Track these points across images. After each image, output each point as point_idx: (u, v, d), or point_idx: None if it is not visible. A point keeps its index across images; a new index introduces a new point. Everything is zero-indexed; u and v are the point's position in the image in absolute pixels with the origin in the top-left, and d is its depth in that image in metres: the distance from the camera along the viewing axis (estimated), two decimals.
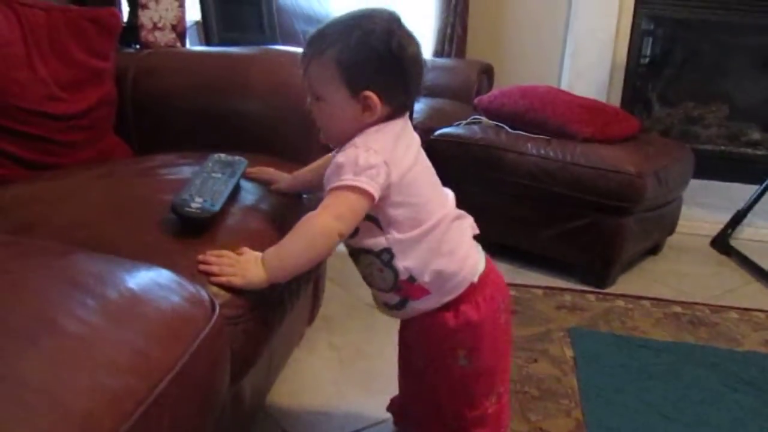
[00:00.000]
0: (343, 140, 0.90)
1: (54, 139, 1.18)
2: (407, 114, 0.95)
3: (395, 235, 0.89)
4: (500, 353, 0.98)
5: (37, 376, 0.51)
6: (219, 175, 0.99)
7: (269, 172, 1.13)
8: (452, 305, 0.92)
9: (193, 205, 0.87)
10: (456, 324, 0.92)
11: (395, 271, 0.90)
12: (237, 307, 0.81)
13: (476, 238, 0.99)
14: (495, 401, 0.98)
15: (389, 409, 1.14)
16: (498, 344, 0.96)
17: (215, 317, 0.70)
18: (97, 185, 1.05)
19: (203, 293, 0.73)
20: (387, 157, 0.85)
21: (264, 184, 1.11)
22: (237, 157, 1.10)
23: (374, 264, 0.92)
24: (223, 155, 1.09)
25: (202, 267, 0.82)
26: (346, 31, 0.87)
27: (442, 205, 0.93)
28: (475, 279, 0.92)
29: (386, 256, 0.90)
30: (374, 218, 0.88)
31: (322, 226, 0.84)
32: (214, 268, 0.82)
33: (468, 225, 0.97)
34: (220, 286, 0.80)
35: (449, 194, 0.98)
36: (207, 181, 0.96)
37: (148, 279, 0.69)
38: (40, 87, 1.17)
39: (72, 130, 1.22)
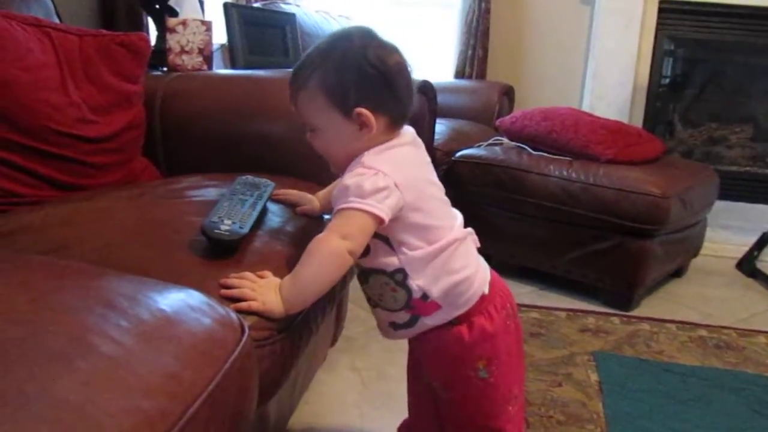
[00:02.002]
0: (349, 164, 0.89)
1: (85, 161, 1.20)
2: (413, 130, 0.95)
3: (407, 253, 0.88)
4: (515, 358, 0.97)
5: (73, 397, 0.51)
6: (247, 198, 1.00)
7: (295, 194, 1.14)
8: (464, 318, 0.92)
9: (223, 227, 0.88)
10: (471, 337, 0.92)
11: (409, 291, 0.90)
12: (264, 329, 0.81)
13: (481, 252, 0.99)
14: (514, 403, 0.98)
15: (400, 430, 1.14)
16: (512, 350, 0.96)
17: (245, 339, 0.70)
18: (127, 207, 1.06)
19: (232, 315, 0.73)
20: (398, 179, 0.85)
21: (290, 206, 1.12)
22: (264, 180, 1.11)
23: (387, 284, 0.91)
24: (250, 177, 1.10)
25: (223, 291, 0.82)
26: (324, 56, 0.88)
27: (451, 227, 0.93)
28: (486, 290, 0.93)
29: (399, 276, 0.89)
30: (385, 238, 0.88)
31: (329, 247, 0.84)
32: (235, 292, 0.82)
33: (472, 240, 0.97)
34: (240, 311, 0.78)
35: (458, 215, 0.97)
36: (235, 203, 0.97)
37: (179, 300, 0.69)
38: (73, 110, 1.20)
39: (103, 152, 1.24)
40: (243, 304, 0.80)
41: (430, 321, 0.92)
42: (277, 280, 0.86)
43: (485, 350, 0.92)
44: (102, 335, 0.58)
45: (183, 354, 0.62)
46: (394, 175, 0.84)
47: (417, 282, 0.89)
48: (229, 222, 0.90)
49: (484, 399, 0.95)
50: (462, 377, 0.94)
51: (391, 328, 0.97)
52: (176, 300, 0.69)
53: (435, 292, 0.89)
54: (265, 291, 0.83)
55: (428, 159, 0.96)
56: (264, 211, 1.03)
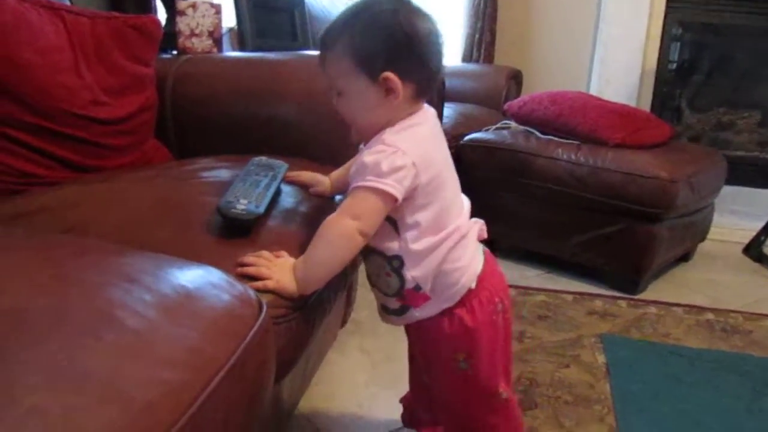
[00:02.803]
0: (372, 133, 0.88)
1: (100, 142, 1.22)
2: (434, 111, 0.94)
3: (409, 243, 0.87)
4: (501, 353, 0.96)
5: (101, 368, 0.53)
6: (261, 179, 1.01)
7: (307, 175, 1.15)
8: (446, 310, 0.91)
9: (239, 207, 0.89)
10: (451, 330, 0.91)
11: (402, 280, 0.90)
12: (280, 307, 0.83)
13: (488, 242, 0.98)
14: (499, 399, 0.98)
15: (402, 401, 1.17)
16: (497, 345, 0.95)
17: (263, 315, 0.71)
18: (142, 188, 1.07)
19: (250, 292, 0.74)
20: (416, 158, 0.83)
21: (303, 187, 1.13)
22: (278, 161, 1.12)
23: (383, 268, 0.91)
24: (264, 158, 1.11)
25: (239, 269, 0.83)
26: (353, 19, 0.86)
27: (458, 214, 0.92)
28: (473, 285, 0.91)
29: (396, 263, 0.89)
30: (392, 220, 0.88)
31: (340, 228, 0.84)
32: (251, 270, 0.83)
33: (475, 230, 0.95)
34: (255, 289, 0.78)
35: (465, 202, 0.96)
36: (250, 184, 0.98)
37: (199, 277, 0.70)
38: (87, 92, 1.20)
39: (116, 134, 1.25)
40: (258, 283, 0.81)
41: (418, 313, 0.92)
42: (292, 260, 0.87)
43: (464, 343, 0.92)
44: (127, 309, 0.59)
45: (205, 328, 0.63)
46: (412, 153, 0.83)
47: (412, 273, 0.89)
48: (245, 202, 0.91)
49: (465, 389, 0.96)
50: (442, 365, 0.95)
51: (383, 312, 0.98)
52: (196, 276, 0.71)
53: (428, 284, 0.89)
54: (280, 270, 0.84)
55: (445, 142, 0.94)
56: (278, 192, 1.04)
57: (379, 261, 0.91)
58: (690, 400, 1.43)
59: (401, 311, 0.94)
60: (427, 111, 0.92)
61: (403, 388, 1.19)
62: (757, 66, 3.34)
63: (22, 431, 0.44)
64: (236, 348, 0.64)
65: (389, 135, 0.86)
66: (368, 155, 0.84)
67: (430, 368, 0.99)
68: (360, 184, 0.83)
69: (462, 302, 0.91)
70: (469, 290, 0.91)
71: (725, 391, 1.48)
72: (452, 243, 0.89)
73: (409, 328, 1.01)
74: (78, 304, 0.59)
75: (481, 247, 0.96)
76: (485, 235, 0.97)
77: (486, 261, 0.95)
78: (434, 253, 0.88)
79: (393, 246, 0.89)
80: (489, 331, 0.93)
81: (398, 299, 0.92)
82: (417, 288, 0.90)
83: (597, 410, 1.38)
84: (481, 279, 0.92)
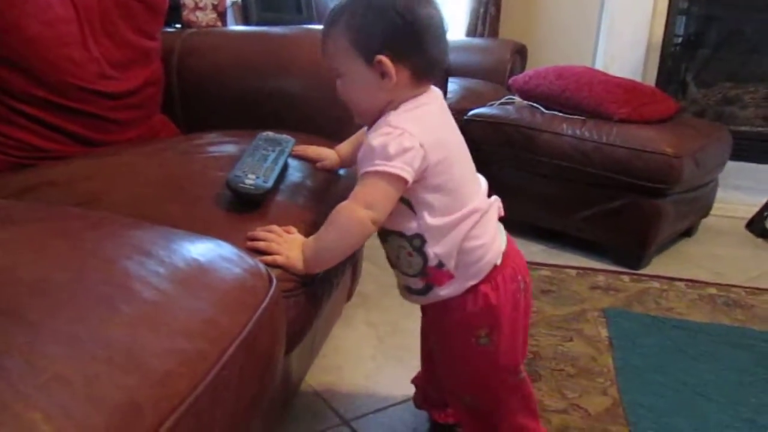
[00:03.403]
0: (373, 116, 0.88)
1: (107, 116, 1.22)
2: (440, 92, 0.93)
3: (427, 220, 0.87)
4: (520, 333, 0.97)
5: (120, 338, 0.54)
6: (269, 153, 1.02)
7: (314, 149, 1.15)
8: (471, 287, 0.91)
9: (247, 181, 0.90)
10: (475, 307, 0.91)
11: (425, 257, 0.89)
12: (290, 281, 0.84)
13: (505, 219, 0.98)
14: (515, 377, 0.99)
15: (414, 381, 1.18)
16: (518, 324, 0.95)
17: (273, 289, 0.72)
18: (150, 162, 1.08)
19: (260, 266, 0.75)
20: (424, 139, 0.83)
21: (309, 161, 1.13)
22: (284, 136, 1.12)
23: (404, 248, 0.91)
24: (271, 133, 1.11)
25: (250, 243, 0.84)
26: (353, 1, 0.86)
27: (476, 193, 0.92)
28: (498, 261, 0.91)
29: (417, 241, 0.89)
30: (407, 201, 0.87)
31: (353, 217, 0.84)
32: (261, 245, 0.84)
33: (495, 208, 0.95)
34: (265, 263, 0.79)
35: (483, 182, 0.96)
36: (258, 158, 0.99)
37: (210, 250, 0.71)
38: (94, 66, 1.20)
39: (124, 108, 1.25)
40: (268, 258, 0.82)
41: (443, 292, 0.92)
42: (302, 237, 0.88)
43: (486, 320, 0.92)
44: (142, 281, 0.60)
45: (218, 300, 0.64)
46: (420, 135, 0.83)
47: (434, 250, 0.88)
48: (253, 176, 0.92)
49: (482, 365, 0.96)
50: (461, 343, 0.95)
51: (406, 292, 0.98)
52: (207, 250, 0.71)
53: (450, 261, 0.89)
54: (290, 247, 0.85)
55: (454, 122, 0.94)
56: (285, 167, 1.05)
57: (399, 241, 0.91)
58: (692, 373, 1.44)
59: (425, 291, 0.93)
60: (434, 92, 0.91)
61: (409, 360, 1.20)
62: (763, 40, 3.31)
63: (46, 398, 0.45)
64: (248, 320, 0.65)
65: (395, 117, 0.85)
66: (375, 138, 0.83)
67: (446, 346, 0.99)
68: (369, 169, 0.83)
69: (487, 278, 0.91)
70: (495, 266, 0.91)
71: (727, 364, 1.50)
72: (472, 223, 0.89)
73: (426, 308, 1.01)
74: (95, 276, 0.60)
75: (501, 225, 0.97)
76: (502, 213, 0.97)
77: (507, 240, 0.95)
78: (455, 230, 0.88)
79: (412, 225, 0.88)
80: (511, 308, 0.93)
81: (422, 278, 0.92)
82: (440, 265, 0.89)
83: (600, 383, 1.40)
84: (505, 256, 0.92)
